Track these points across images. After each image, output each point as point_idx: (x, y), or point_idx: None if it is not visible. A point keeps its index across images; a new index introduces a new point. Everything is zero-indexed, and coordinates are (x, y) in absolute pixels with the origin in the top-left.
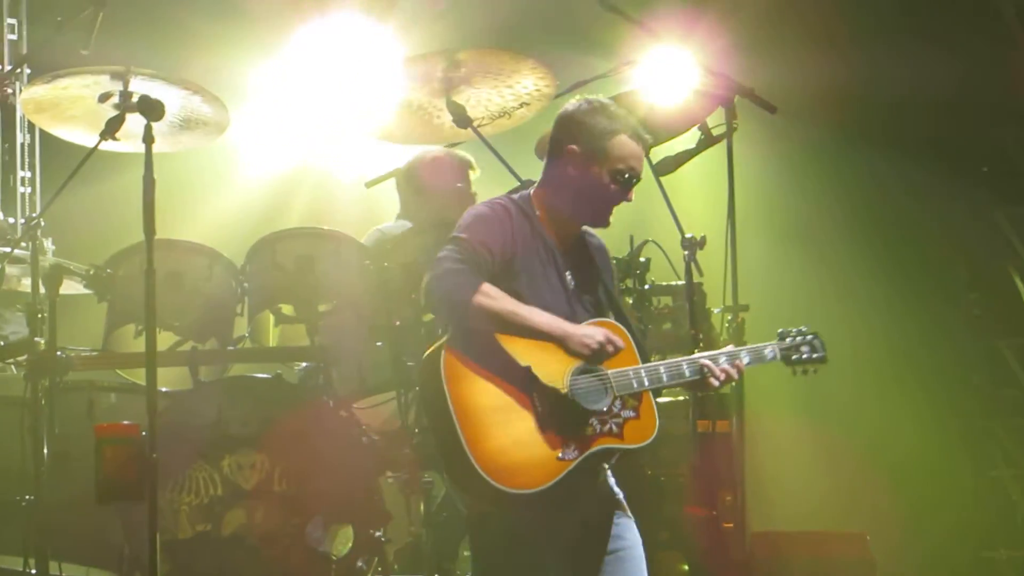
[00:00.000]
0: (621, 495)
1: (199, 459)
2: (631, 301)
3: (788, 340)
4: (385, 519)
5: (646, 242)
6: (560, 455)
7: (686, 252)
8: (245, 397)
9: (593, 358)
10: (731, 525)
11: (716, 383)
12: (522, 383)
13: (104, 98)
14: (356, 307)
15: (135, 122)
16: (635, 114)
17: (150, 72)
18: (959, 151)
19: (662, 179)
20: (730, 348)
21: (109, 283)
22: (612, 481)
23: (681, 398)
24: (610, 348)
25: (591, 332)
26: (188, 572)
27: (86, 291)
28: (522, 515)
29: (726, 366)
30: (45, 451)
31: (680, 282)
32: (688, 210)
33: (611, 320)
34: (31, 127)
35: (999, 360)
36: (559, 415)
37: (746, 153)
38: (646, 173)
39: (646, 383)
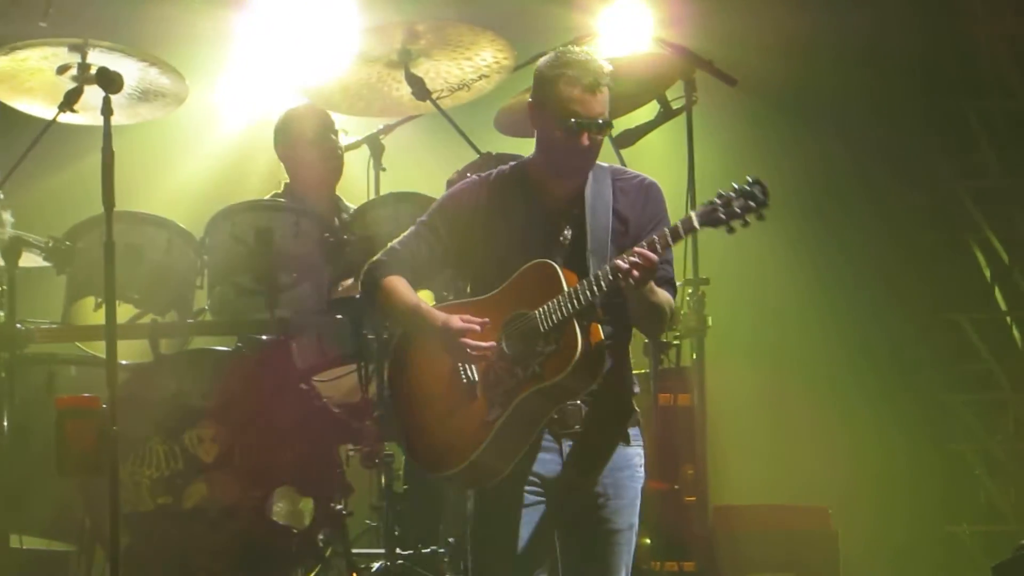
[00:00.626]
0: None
1: (160, 432)
2: None
3: (712, 202)
4: (347, 491)
5: None
6: (487, 417)
7: None
8: (205, 370)
9: (453, 355)
10: (693, 499)
11: (632, 278)
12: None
13: (62, 70)
14: (316, 279)
15: (93, 94)
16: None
17: (108, 44)
18: (921, 122)
19: (622, 152)
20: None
21: (68, 255)
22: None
23: (642, 371)
24: (457, 340)
25: (437, 330)
26: (149, 545)
27: (45, 263)
28: (482, 488)
29: (633, 258)
30: (5, 424)
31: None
32: None
33: (539, 260)
34: None
35: (960, 334)
36: (490, 375)
37: (706, 125)
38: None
39: (565, 308)
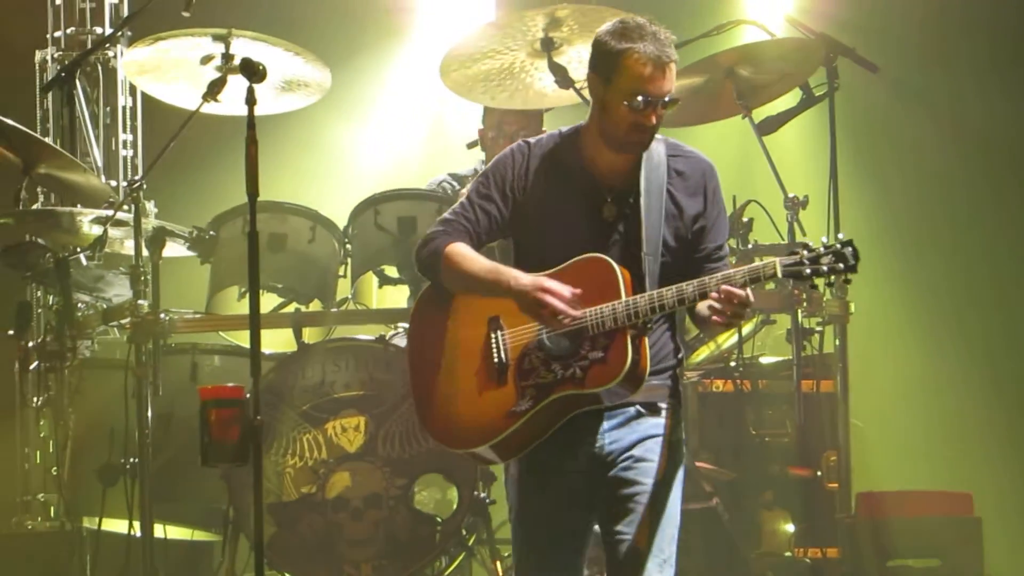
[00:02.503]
0: (650, 437)
1: (303, 422)
2: (733, 260)
3: (801, 254)
4: (489, 480)
5: (749, 202)
6: (515, 407)
7: (789, 212)
8: (349, 359)
9: (530, 312)
10: (836, 485)
11: (721, 307)
12: (486, 333)
13: (206, 60)
14: None
15: (237, 84)
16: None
17: (251, 34)
18: None
19: (765, 139)
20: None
21: (211, 245)
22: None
23: (785, 358)
24: (542, 302)
25: (524, 286)
26: (293, 534)
27: (189, 253)
28: (510, 464)
29: (725, 287)
30: (149, 414)
31: (783, 242)
32: (791, 170)
33: (600, 256)
34: (132, 90)
35: None
36: (524, 362)
37: (849, 112)
38: (750, 136)
39: (619, 319)
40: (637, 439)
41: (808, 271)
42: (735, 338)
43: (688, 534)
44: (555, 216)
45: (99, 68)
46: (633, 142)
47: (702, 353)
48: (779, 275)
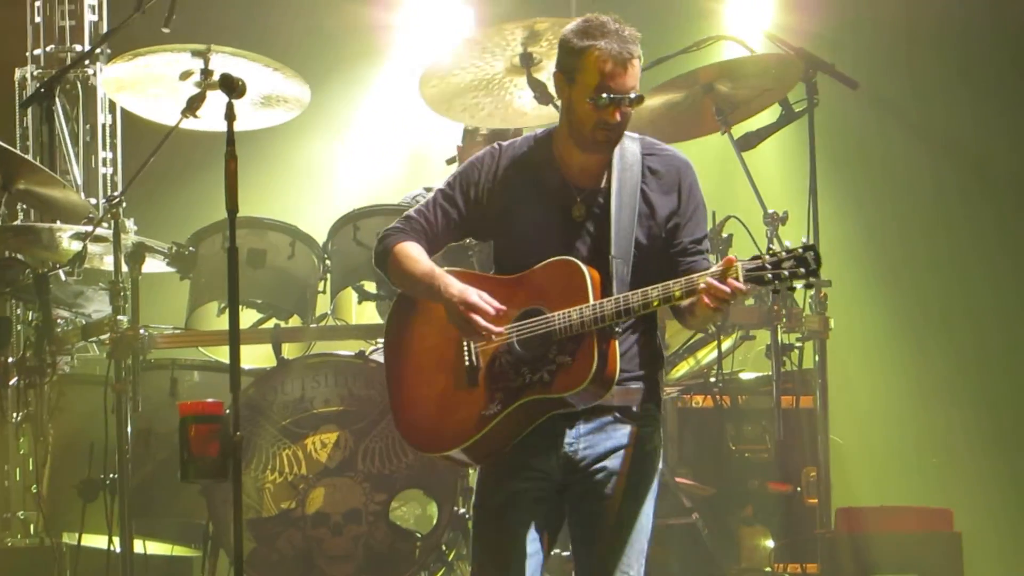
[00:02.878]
0: (620, 442)
1: (283, 437)
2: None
3: (763, 258)
4: (469, 495)
5: (728, 218)
6: (485, 411)
7: (768, 228)
8: (328, 375)
9: (460, 328)
10: (815, 501)
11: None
12: (459, 336)
13: (185, 76)
14: None
15: (216, 100)
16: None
17: (231, 50)
18: None
19: (744, 155)
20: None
21: (191, 261)
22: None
23: (765, 374)
24: (466, 317)
25: (452, 297)
26: (272, 550)
27: (168, 269)
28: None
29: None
30: (129, 430)
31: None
32: (770, 186)
33: (569, 258)
34: (112, 108)
35: None
36: (495, 366)
37: (828, 127)
38: (729, 152)
39: (585, 323)
40: (612, 447)
41: (770, 275)
42: (715, 353)
43: (667, 550)
44: (525, 217)
45: (79, 86)
46: (599, 140)
47: (682, 369)
48: (740, 278)
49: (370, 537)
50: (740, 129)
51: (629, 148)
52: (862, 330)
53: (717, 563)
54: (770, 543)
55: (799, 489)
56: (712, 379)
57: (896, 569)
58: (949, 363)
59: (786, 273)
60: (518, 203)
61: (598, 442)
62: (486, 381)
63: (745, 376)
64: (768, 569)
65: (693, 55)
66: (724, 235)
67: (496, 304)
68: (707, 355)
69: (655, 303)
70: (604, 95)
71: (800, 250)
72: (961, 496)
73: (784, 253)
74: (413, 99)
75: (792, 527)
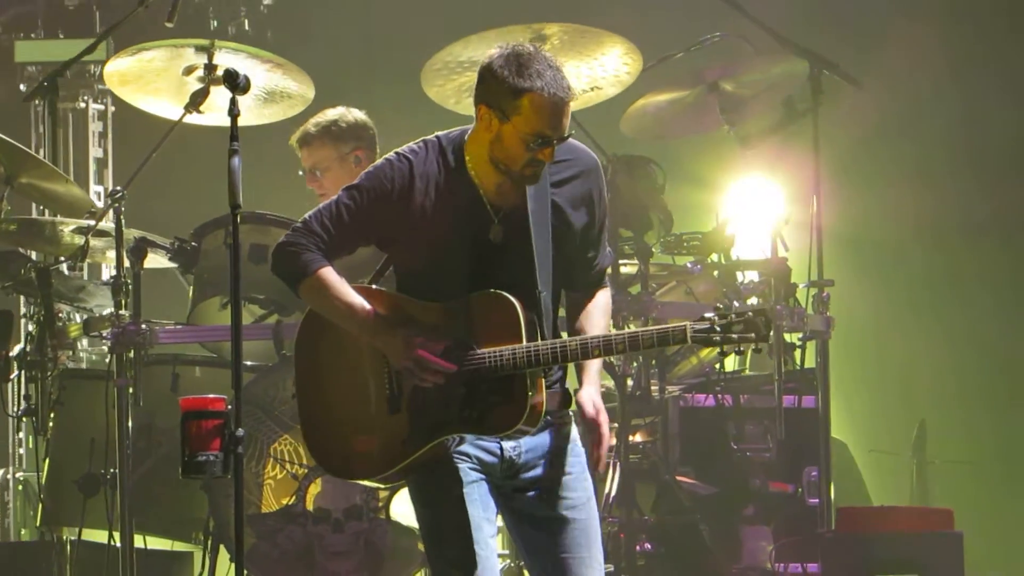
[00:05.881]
0: (572, 449)
1: (284, 433)
2: (716, 274)
3: (712, 320)
4: None
5: (730, 217)
6: (405, 442)
7: (772, 227)
8: None
9: (405, 372)
10: (816, 501)
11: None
12: (381, 359)
13: (188, 71)
14: None
15: (219, 95)
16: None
17: (234, 45)
18: None
19: (748, 153)
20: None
21: (193, 256)
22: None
23: (767, 373)
24: (416, 373)
25: (398, 347)
26: (273, 546)
27: (171, 264)
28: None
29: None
30: (130, 425)
31: (765, 257)
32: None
33: (502, 294)
34: (113, 101)
35: None
36: (418, 398)
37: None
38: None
39: (518, 364)
40: (554, 448)
41: (718, 338)
42: (717, 352)
43: (668, 548)
44: (440, 238)
45: (80, 79)
46: (528, 175)
47: (684, 368)
48: (689, 342)
49: (371, 533)
50: (744, 128)
51: None
52: (866, 330)
53: (717, 562)
54: (771, 543)
55: (800, 489)
56: (714, 378)
57: (897, 569)
58: (953, 363)
59: (735, 337)
60: (430, 223)
61: (537, 445)
62: (409, 411)
63: (747, 375)
64: (769, 569)
65: (697, 53)
66: (727, 234)
67: (446, 365)
68: (709, 354)
69: (595, 352)
70: (542, 140)
71: (750, 314)
72: (961, 496)
73: (734, 316)
74: (417, 95)
75: (793, 527)
